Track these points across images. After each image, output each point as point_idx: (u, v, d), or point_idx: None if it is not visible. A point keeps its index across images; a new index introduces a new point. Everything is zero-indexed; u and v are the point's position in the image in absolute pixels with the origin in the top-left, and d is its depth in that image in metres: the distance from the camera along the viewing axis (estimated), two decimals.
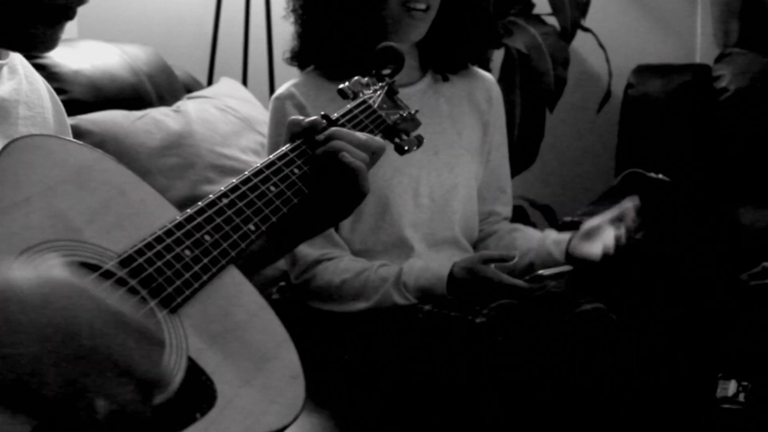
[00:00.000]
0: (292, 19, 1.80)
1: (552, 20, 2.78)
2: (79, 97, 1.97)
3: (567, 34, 2.75)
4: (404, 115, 1.28)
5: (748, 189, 2.77)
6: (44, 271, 0.69)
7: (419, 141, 1.28)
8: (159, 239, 0.86)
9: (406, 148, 1.26)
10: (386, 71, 1.34)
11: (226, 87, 2.41)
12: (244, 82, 2.69)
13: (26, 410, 0.67)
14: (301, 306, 1.77)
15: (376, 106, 1.23)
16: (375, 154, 1.10)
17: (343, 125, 1.13)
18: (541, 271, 1.69)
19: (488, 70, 2.20)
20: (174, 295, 0.84)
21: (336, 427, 1.51)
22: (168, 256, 0.85)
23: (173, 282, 0.84)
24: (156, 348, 0.72)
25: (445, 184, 1.79)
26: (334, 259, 1.71)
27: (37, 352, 0.65)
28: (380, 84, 1.31)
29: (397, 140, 1.27)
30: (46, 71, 1.88)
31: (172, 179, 1.96)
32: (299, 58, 1.81)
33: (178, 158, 2.01)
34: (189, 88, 2.38)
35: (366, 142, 1.08)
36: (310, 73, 1.81)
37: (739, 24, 3.18)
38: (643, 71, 3.02)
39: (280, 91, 1.78)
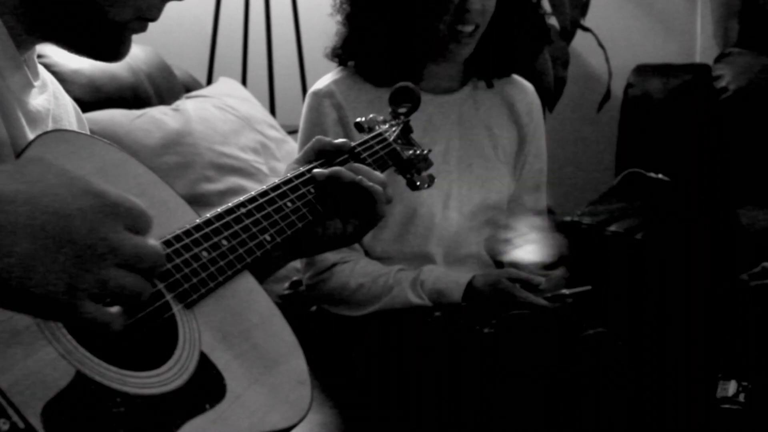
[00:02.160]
0: (338, 17, 1.77)
1: (552, 20, 2.78)
2: (79, 96, 1.96)
3: (567, 33, 2.74)
4: (417, 153, 1.31)
5: (748, 189, 2.76)
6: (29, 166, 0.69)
7: (431, 180, 1.32)
8: (178, 238, 0.88)
9: (418, 184, 1.30)
10: (402, 110, 1.36)
11: (226, 86, 2.41)
12: (244, 81, 2.69)
13: (29, 310, 0.67)
14: (311, 303, 1.77)
15: (391, 140, 1.27)
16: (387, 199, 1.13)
17: (359, 153, 1.17)
18: (563, 291, 1.69)
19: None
20: (190, 291, 0.87)
21: (342, 426, 1.51)
22: (186, 255, 0.88)
23: (190, 279, 0.87)
24: (143, 223, 0.72)
25: (474, 199, 1.77)
26: (350, 262, 1.70)
27: (30, 248, 0.65)
28: (396, 121, 1.34)
29: (408, 176, 1.30)
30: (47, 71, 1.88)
31: (172, 178, 1.96)
32: (339, 54, 1.77)
33: (178, 157, 2.00)
34: (188, 87, 2.38)
35: (384, 181, 1.11)
36: (349, 70, 1.77)
37: (739, 24, 3.18)
38: (643, 71, 3.02)
39: (319, 86, 1.74)
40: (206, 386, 0.82)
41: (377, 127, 1.28)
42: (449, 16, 1.66)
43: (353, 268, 1.68)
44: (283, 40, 2.73)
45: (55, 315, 0.69)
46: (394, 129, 1.31)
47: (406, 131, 1.34)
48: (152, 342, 0.82)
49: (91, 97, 2.01)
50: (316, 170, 1.09)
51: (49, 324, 0.73)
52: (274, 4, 2.72)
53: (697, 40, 3.30)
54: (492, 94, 1.84)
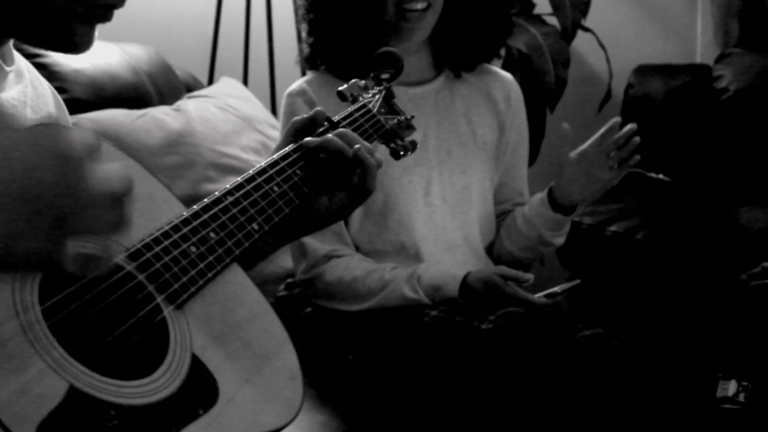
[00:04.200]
0: (303, 24, 1.81)
1: (552, 20, 2.78)
2: (80, 96, 1.97)
3: (567, 34, 2.74)
4: (401, 120, 1.30)
5: (748, 189, 2.77)
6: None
7: (413, 146, 1.30)
8: (166, 234, 0.87)
9: (401, 153, 1.28)
10: (385, 75, 1.35)
11: (227, 86, 2.41)
12: (245, 81, 2.69)
13: (13, 268, 0.68)
14: (307, 304, 1.77)
15: (375, 110, 1.25)
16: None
17: (344, 128, 1.13)
18: (555, 288, 1.70)
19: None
20: (180, 291, 0.85)
21: (340, 426, 1.51)
22: (175, 252, 0.87)
23: (180, 278, 0.86)
24: (94, 149, 0.70)
25: (457, 185, 1.78)
26: (344, 257, 1.71)
27: (8, 216, 0.65)
28: (378, 88, 1.32)
29: (392, 145, 1.28)
30: (46, 70, 1.88)
31: (173, 178, 1.96)
32: (309, 60, 1.82)
33: (179, 157, 2.01)
34: (189, 87, 2.38)
35: (371, 149, 1.09)
36: (321, 71, 1.81)
37: (739, 24, 3.18)
38: (644, 71, 3.01)
39: (292, 87, 1.79)
40: (199, 391, 0.81)
41: (360, 97, 1.25)
42: None
43: (348, 263, 1.69)
44: (284, 40, 2.73)
45: (38, 268, 0.70)
46: (377, 97, 1.29)
47: (388, 97, 1.33)
48: (143, 347, 0.81)
49: (92, 96, 2.01)
50: (306, 138, 1.07)
51: (35, 330, 0.72)
52: (276, 4, 2.72)
53: (697, 40, 3.30)
54: (469, 85, 1.85)
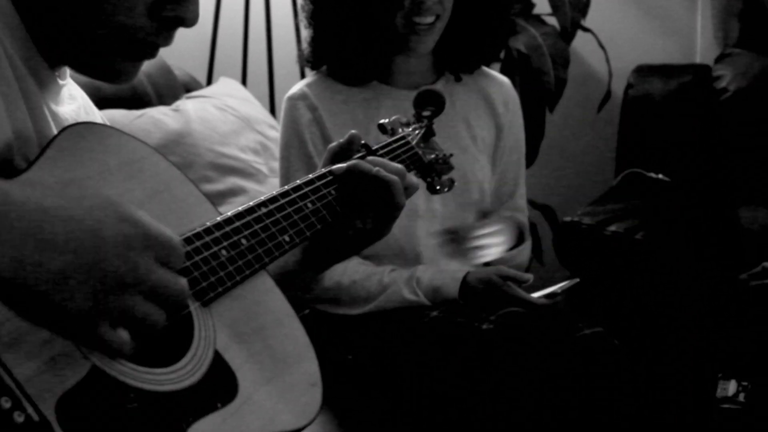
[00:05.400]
0: (306, 25, 1.81)
1: (552, 20, 2.78)
2: None
3: (567, 34, 2.74)
4: (439, 156, 1.31)
5: (748, 189, 2.76)
6: (74, 190, 0.72)
7: (451, 183, 1.32)
8: (198, 236, 0.89)
9: (437, 188, 1.30)
10: (426, 113, 1.36)
11: (226, 86, 2.41)
12: (244, 81, 2.69)
13: (49, 324, 0.69)
14: (304, 308, 1.76)
15: (414, 143, 1.27)
16: (408, 189, 1.11)
17: (381, 156, 1.15)
18: (554, 288, 1.70)
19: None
20: (207, 289, 0.87)
21: (340, 427, 1.51)
22: (205, 253, 0.88)
23: (208, 278, 0.87)
24: (175, 265, 0.75)
25: (457, 189, 1.78)
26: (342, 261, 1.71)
27: (62, 265, 0.67)
28: (419, 124, 1.34)
29: (429, 179, 1.30)
30: None
31: None
32: (312, 61, 1.81)
33: (177, 157, 2.00)
34: (188, 87, 2.38)
35: (401, 170, 1.10)
36: (322, 73, 1.81)
37: (739, 24, 3.17)
38: (643, 71, 3.01)
39: (293, 90, 1.78)
40: (219, 385, 0.82)
41: (400, 130, 1.28)
42: (406, 9, 1.67)
43: (345, 267, 1.69)
44: (283, 41, 2.73)
45: (73, 334, 0.71)
46: (417, 132, 1.31)
47: (428, 135, 1.34)
48: (168, 339, 0.83)
49: (90, 97, 2.00)
50: (334, 166, 1.09)
51: None
52: (275, 4, 2.72)
53: (697, 40, 3.29)
54: (468, 88, 1.86)
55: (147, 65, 2.33)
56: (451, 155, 1.34)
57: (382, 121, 1.27)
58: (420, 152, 1.27)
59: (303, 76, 2.69)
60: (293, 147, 1.73)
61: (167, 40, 0.92)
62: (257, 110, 2.34)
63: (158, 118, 2.05)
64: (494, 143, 1.85)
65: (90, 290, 0.68)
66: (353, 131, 1.14)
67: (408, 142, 1.26)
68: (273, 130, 2.27)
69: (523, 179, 1.92)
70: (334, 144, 1.14)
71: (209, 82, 2.64)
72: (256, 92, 2.50)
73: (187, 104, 2.18)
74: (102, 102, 2.04)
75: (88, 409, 0.71)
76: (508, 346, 1.54)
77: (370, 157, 1.11)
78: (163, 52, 2.58)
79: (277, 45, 2.72)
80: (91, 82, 2.14)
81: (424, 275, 1.67)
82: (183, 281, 0.75)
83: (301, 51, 1.85)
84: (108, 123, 1.11)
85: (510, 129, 1.87)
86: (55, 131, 0.91)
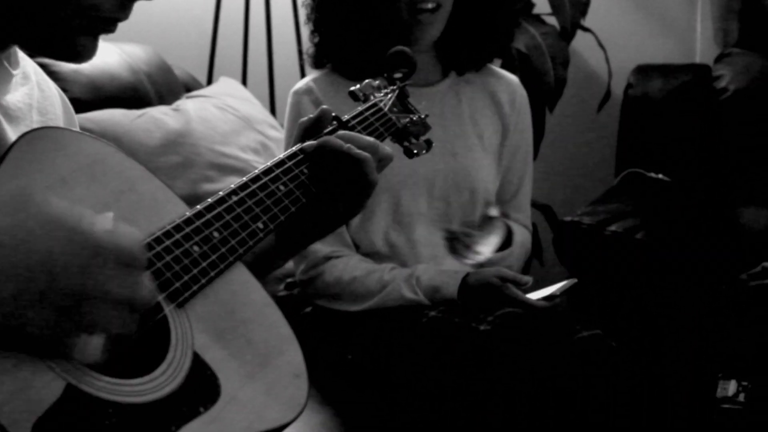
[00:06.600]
0: (309, 22, 1.81)
1: (552, 20, 2.78)
2: (79, 96, 1.97)
3: (567, 34, 2.74)
4: (414, 119, 1.28)
5: (748, 189, 2.76)
6: (19, 206, 0.69)
7: (428, 145, 1.29)
8: (168, 234, 0.86)
9: (414, 151, 1.26)
10: (398, 75, 1.34)
11: (226, 86, 2.41)
12: (244, 81, 2.69)
13: (15, 348, 0.68)
14: (306, 304, 1.77)
15: (386, 109, 1.23)
16: (382, 161, 1.09)
17: (353, 127, 1.13)
18: (553, 290, 1.69)
19: None
20: (181, 290, 0.85)
21: (339, 426, 1.51)
22: (177, 252, 0.86)
23: (181, 277, 0.85)
24: (135, 269, 0.72)
25: (461, 187, 1.78)
26: (344, 257, 1.71)
27: (14, 291, 0.66)
28: (391, 87, 1.31)
29: (406, 143, 1.27)
30: (45, 70, 1.86)
31: (172, 178, 1.96)
32: (316, 58, 1.82)
33: (178, 157, 2.00)
34: (188, 87, 2.38)
35: (373, 144, 1.08)
36: (327, 69, 1.81)
37: (738, 24, 3.17)
38: (643, 71, 3.01)
39: (299, 85, 1.79)
40: (200, 388, 0.80)
41: (372, 96, 1.24)
42: None
43: (347, 263, 1.69)
44: (283, 40, 2.72)
45: (43, 353, 0.69)
46: (389, 96, 1.27)
47: (402, 97, 1.31)
48: (144, 346, 0.81)
49: (91, 96, 2.01)
50: (306, 142, 1.06)
51: None
52: (275, 3, 2.71)
53: (697, 40, 3.29)
54: (474, 86, 1.85)
55: (147, 65, 2.34)
56: (427, 116, 1.31)
57: (352, 88, 1.23)
58: (393, 117, 1.23)
59: (303, 74, 2.69)
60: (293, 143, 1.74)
61: (127, 13, 0.92)
62: (257, 110, 2.34)
63: (158, 118, 2.05)
64: (500, 143, 1.85)
65: (50, 311, 0.67)
66: (323, 106, 1.12)
67: (380, 109, 1.22)
68: (273, 130, 2.27)
69: (529, 179, 1.91)
70: (304, 119, 1.11)
71: (209, 81, 2.64)
72: (256, 92, 2.50)
73: (188, 104, 2.18)
74: (102, 102, 2.04)
75: (66, 431, 0.69)
76: (506, 347, 1.54)
77: (341, 132, 1.08)
78: (164, 52, 2.59)
79: (277, 45, 2.72)
80: (91, 84, 2.14)
81: (424, 274, 1.67)
82: (146, 280, 0.73)
83: (299, 51, 1.85)
84: (65, 97, 1.10)
85: (516, 128, 1.87)
86: (5, 126, 0.90)
